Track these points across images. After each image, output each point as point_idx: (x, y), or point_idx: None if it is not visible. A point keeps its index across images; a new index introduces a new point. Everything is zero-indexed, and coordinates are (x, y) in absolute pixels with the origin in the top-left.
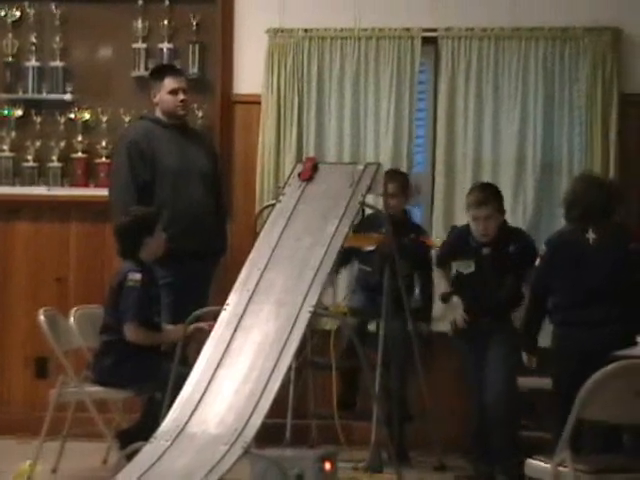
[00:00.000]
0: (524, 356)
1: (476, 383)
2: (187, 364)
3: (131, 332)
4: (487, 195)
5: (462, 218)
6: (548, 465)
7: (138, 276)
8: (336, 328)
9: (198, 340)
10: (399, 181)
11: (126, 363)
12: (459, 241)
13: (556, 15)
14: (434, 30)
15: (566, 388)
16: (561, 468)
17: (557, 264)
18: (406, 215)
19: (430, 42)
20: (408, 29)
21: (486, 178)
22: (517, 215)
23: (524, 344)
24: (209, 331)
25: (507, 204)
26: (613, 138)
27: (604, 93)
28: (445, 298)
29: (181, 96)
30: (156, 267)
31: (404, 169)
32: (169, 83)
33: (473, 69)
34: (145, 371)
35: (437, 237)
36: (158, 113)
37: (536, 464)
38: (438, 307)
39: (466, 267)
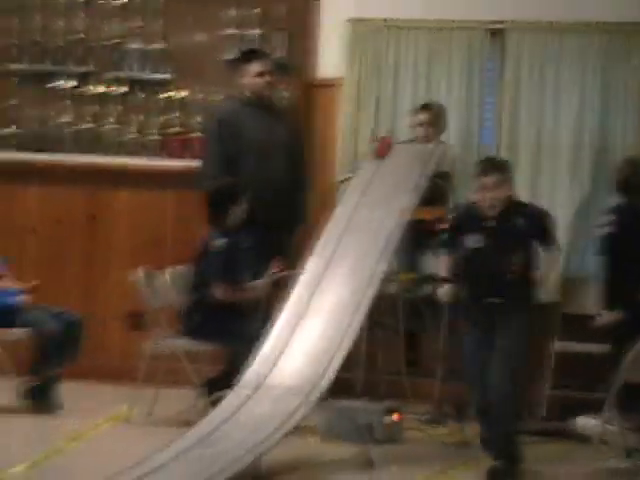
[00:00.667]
0: (604, 314)
1: (477, 372)
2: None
3: (219, 291)
4: (495, 164)
5: (524, 197)
6: (597, 422)
7: (222, 241)
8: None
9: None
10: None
11: (212, 319)
12: (466, 216)
13: (613, 10)
14: (501, 23)
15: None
16: (609, 425)
17: (626, 226)
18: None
19: (497, 34)
20: (477, 22)
21: (546, 160)
22: (574, 194)
23: (604, 302)
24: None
25: (565, 184)
26: None
27: None
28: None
29: (266, 78)
30: (240, 233)
31: (473, 151)
32: (255, 66)
33: (536, 59)
34: (229, 327)
35: None
36: (246, 93)
37: (585, 421)
38: None
39: (475, 242)
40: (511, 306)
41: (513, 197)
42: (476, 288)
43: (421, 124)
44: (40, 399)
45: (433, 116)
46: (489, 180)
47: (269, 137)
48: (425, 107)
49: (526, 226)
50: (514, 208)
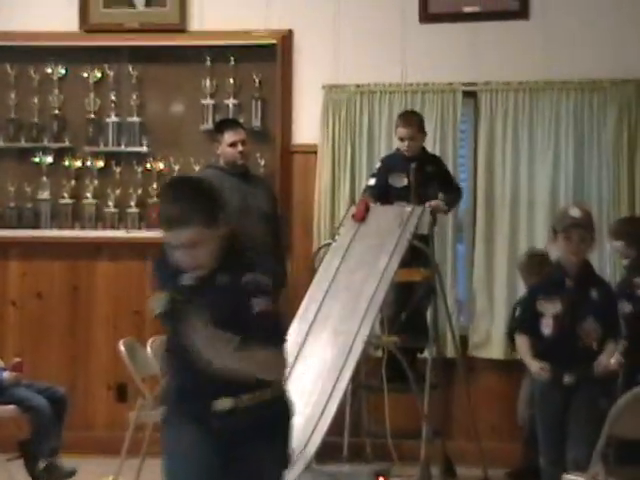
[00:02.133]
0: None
1: None
2: None
3: None
4: (174, 216)
5: (502, 254)
6: (583, 478)
7: None
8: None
9: None
10: (414, 124)
11: None
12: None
13: (585, 69)
14: (474, 84)
15: None
16: None
17: None
18: (424, 151)
19: (470, 95)
20: (450, 83)
21: (523, 216)
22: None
23: None
24: None
25: (542, 240)
26: (639, 179)
27: (630, 138)
28: None
29: (239, 147)
30: None
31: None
32: (228, 136)
33: (510, 119)
34: None
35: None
36: (221, 162)
37: (573, 478)
38: (480, 330)
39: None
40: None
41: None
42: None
43: (401, 139)
44: (54, 474)
45: (411, 131)
46: (176, 236)
47: (246, 205)
48: (404, 120)
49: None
50: (236, 260)
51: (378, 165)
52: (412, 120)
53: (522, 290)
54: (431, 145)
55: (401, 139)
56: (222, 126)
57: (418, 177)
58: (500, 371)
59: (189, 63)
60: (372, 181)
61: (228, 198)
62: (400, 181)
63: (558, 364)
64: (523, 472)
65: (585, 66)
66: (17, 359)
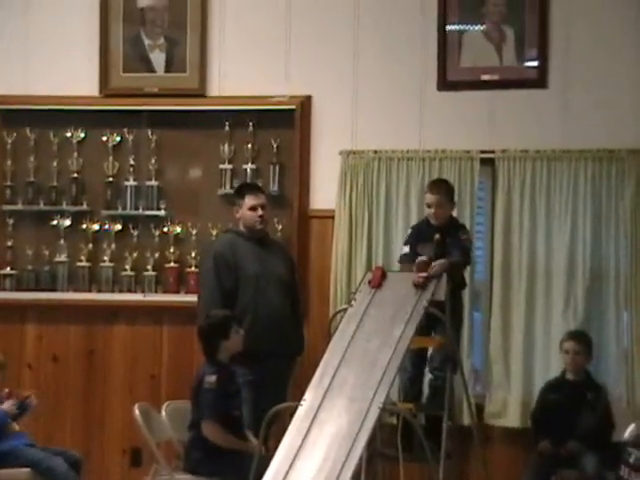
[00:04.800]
0: None
1: None
2: (267, 456)
3: (208, 430)
4: None
5: (519, 323)
6: None
7: (213, 378)
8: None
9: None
10: (442, 191)
11: (212, 456)
12: None
13: (603, 138)
14: (491, 152)
15: None
16: None
17: None
18: (453, 220)
19: (487, 162)
20: (468, 151)
21: (540, 285)
22: (568, 319)
23: None
24: None
25: (559, 310)
26: None
27: None
28: None
29: (259, 212)
30: (238, 366)
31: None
32: (249, 200)
33: (527, 187)
34: (230, 463)
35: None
36: (240, 227)
37: None
38: (496, 399)
39: None
40: None
41: None
42: None
43: (429, 205)
44: None
45: (440, 198)
46: None
47: (264, 269)
48: (432, 188)
49: None
50: None
51: (409, 232)
52: (441, 187)
53: (539, 359)
54: None
55: (428, 205)
56: (243, 190)
57: (439, 249)
58: (516, 440)
59: (208, 128)
60: (406, 249)
61: (246, 263)
62: (427, 251)
63: None
64: None
65: (603, 136)
66: (6, 390)
